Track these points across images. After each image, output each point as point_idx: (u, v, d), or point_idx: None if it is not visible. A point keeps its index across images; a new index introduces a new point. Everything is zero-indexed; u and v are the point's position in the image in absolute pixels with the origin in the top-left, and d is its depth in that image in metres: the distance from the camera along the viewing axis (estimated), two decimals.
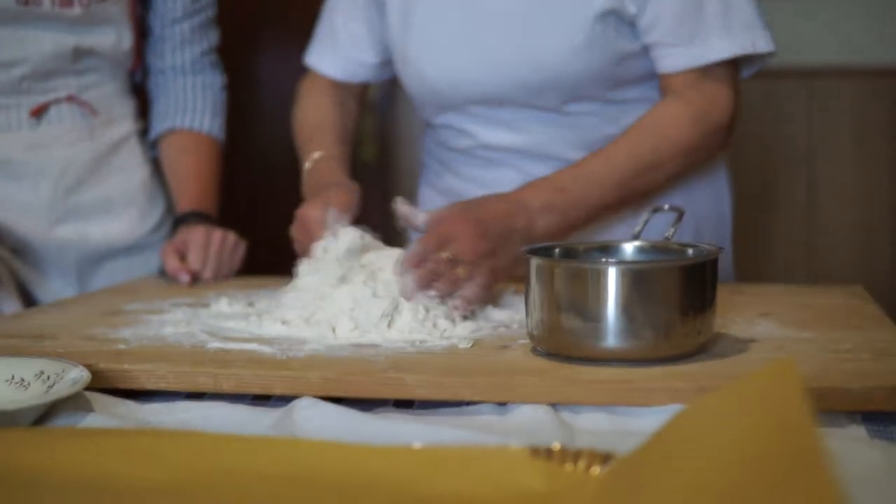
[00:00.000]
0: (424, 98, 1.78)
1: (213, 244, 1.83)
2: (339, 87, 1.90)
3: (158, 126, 2.07)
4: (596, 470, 0.85)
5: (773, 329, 1.32)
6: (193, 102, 2.05)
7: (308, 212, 1.53)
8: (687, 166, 1.63)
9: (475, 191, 1.61)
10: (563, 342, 1.17)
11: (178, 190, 2.01)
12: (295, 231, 1.56)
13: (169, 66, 2.05)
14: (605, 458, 0.85)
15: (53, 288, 1.92)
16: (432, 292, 1.35)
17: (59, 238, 1.91)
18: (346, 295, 1.35)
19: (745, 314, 1.40)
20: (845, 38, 3.18)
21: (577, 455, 0.86)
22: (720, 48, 1.59)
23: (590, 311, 1.15)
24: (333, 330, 1.31)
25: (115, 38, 1.92)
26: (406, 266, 1.36)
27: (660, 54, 1.62)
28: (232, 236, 1.88)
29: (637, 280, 1.14)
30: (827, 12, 3.18)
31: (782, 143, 3.22)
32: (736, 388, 0.80)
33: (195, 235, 1.84)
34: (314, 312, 1.34)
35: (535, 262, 1.19)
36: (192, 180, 2.01)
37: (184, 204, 1.98)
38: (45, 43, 1.85)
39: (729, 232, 1.85)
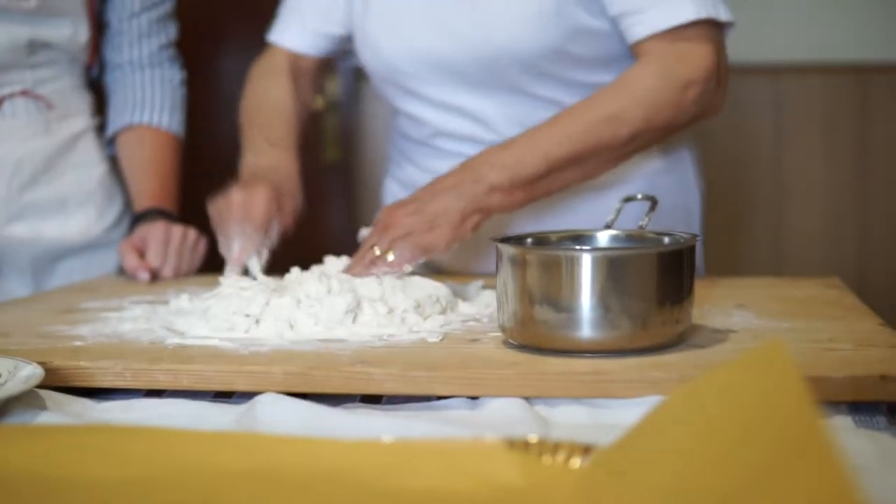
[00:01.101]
0: (383, 76, 1.73)
1: (172, 240, 1.80)
2: (297, 69, 1.85)
3: (116, 122, 2.02)
4: (576, 462, 0.81)
5: (750, 319, 1.29)
6: (152, 98, 2.00)
7: (250, 199, 1.57)
8: (657, 122, 1.55)
9: None
10: (537, 334, 1.13)
11: (137, 187, 1.96)
12: (228, 210, 1.57)
13: (126, 60, 2.00)
14: (585, 450, 0.81)
15: (8, 287, 1.87)
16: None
17: (13, 236, 1.86)
18: (303, 293, 1.29)
19: (721, 305, 1.37)
20: (810, 35, 3.17)
21: (555, 447, 0.82)
22: (686, 10, 1.53)
23: (564, 301, 1.11)
24: (291, 327, 1.25)
25: (71, 30, 1.87)
26: (351, 273, 1.40)
27: (627, 24, 1.57)
28: (192, 232, 1.85)
29: (613, 268, 1.10)
30: (791, 9, 3.16)
31: (749, 140, 3.20)
32: (723, 372, 0.76)
33: (154, 232, 1.80)
34: (268, 311, 1.28)
35: (506, 250, 1.15)
36: (151, 177, 1.96)
37: (142, 201, 1.93)
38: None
39: (698, 227, 1.81)
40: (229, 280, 1.42)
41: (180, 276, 1.79)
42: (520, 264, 1.13)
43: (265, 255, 1.58)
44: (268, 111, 1.80)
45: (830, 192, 3.20)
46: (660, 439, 0.75)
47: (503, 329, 1.18)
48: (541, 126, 1.53)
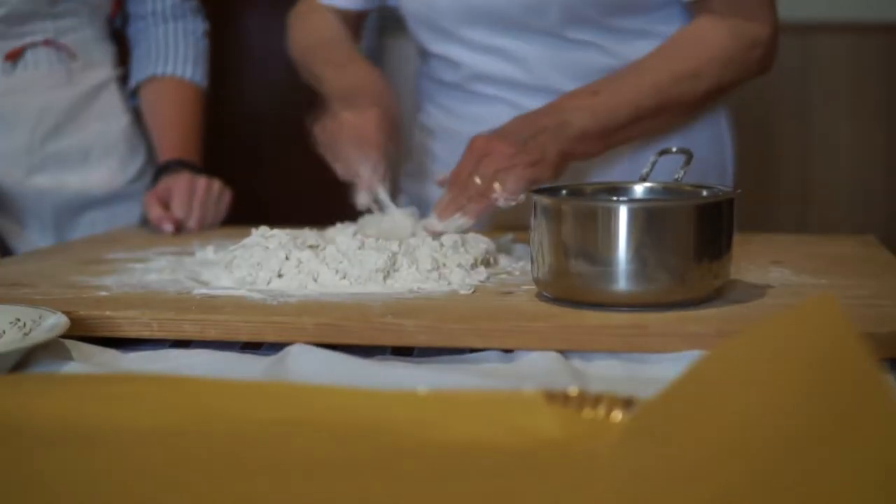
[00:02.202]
0: (421, 17, 1.69)
1: (197, 192, 1.77)
2: (338, 15, 1.80)
3: (139, 74, 1.99)
4: (617, 415, 0.78)
5: (788, 276, 1.26)
6: (175, 49, 1.97)
7: (363, 121, 1.48)
8: (726, 80, 1.56)
9: (468, 129, 1.53)
10: (572, 286, 1.10)
11: (160, 138, 1.94)
12: (333, 131, 1.51)
13: (150, 11, 1.98)
14: (627, 402, 0.79)
15: (31, 238, 1.85)
16: (460, 219, 1.35)
17: (36, 187, 1.84)
18: (334, 249, 1.26)
19: (757, 262, 1.34)
20: None
21: (596, 400, 0.79)
22: None
23: (600, 254, 1.08)
24: (315, 280, 1.22)
25: None
26: (443, 185, 1.36)
27: None
28: (217, 184, 1.82)
29: (651, 220, 1.08)
30: None
31: (776, 98, 3.16)
32: (770, 326, 0.74)
33: (179, 183, 1.78)
34: (290, 266, 1.24)
35: (541, 201, 1.13)
36: (174, 128, 1.94)
37: (166, 152, 1.91)
38: None
39: (730, 184, 1.79)
40: (363, 203, 1.44)
41: (205, 228, 1.76)
42: (555, 216, 1.11)
43: (388, 180, 1.50)
44: (328, 38, 1.74)
45: (859, 150, 3.16)
46: (706, 393, 0.73)
47: (537, 282, 1.15)
48: (625, 74, 1.52)
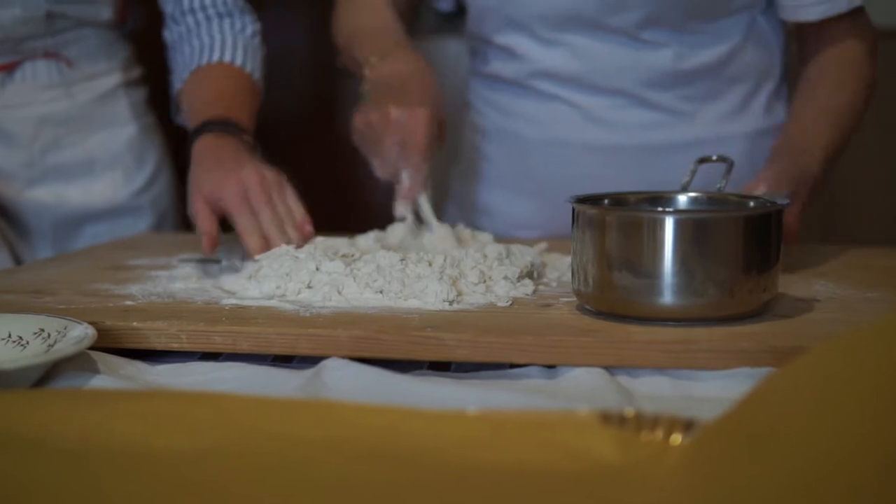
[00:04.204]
0: (490, 4, 1.62)
1: (252, 193, 1.39)
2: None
3: (181, 75, 1.73)
4: (677, 438, 0.75)
5: (833, 289, 1.22)
6: (222, 42, 1.73)
7: (411, 120, 1.39)
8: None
9: (522, 129, 1.49)
10: (616, 299, 1.06)
11: (193, 114, 1.59)
12: (376, 126, 1.41)
13: (188, 8, 1.75)
14: (687, 425, 0.75)
15: (34, 251, 1.79)
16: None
17: (35, 200, 1.76)
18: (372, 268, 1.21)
19: (800, 273, 1.31)
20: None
21: (654, 421, 0.76)
22: None
23: (645, 266, 1.04)
24: (339, 291, 1.16)
25: (91, 7, 1.76)
26: None
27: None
28: (271, 175, 1.43)
29: (699, 231, 1.04)
30: None
31: None
32: (840, 344, 0.70)
33: (227, 187, 1.39)
34: (319, 277, 1.19)
35: (584, 211, 1.09)
36: (221, 94, 1.63)
37: (206, 111, 1.56)
38: (14, 8, 1.68)
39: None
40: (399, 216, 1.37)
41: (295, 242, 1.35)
42: (598, 226, 1.07)
43: (430, 188, 1.42)
44: (373, 23, 1.64)
45: (884, 156, 3.13)
46: (774, 416, 0.69)
47: (578, 294, 1.11)
48: (819, 119, 1.49)
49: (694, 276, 1.04)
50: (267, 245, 1.32)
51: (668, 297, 1.04)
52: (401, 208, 1.41)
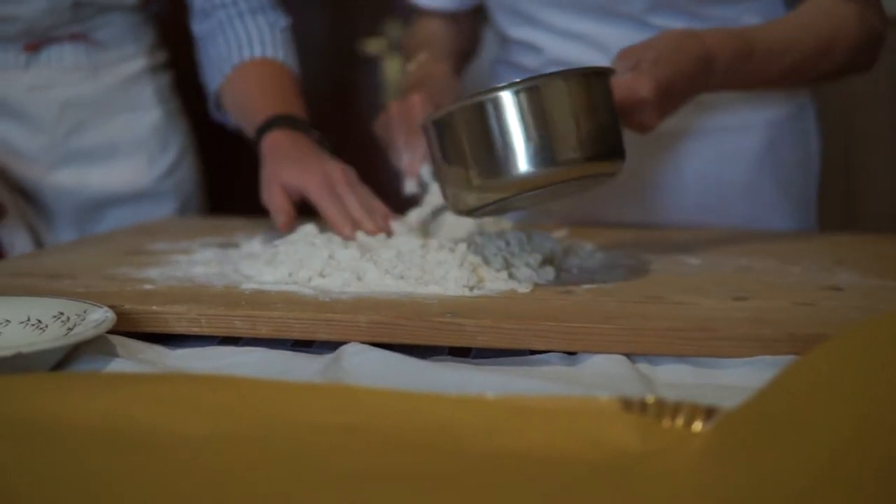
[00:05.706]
0: (503, 1, 1.66)
1: (337, 184, 1.43)
2: (453, 20, 1.79)
3: (217, 75, 1.73)
4: (698, 426, 0.74)
5: (854, 277, 1.22)
6: (259, 37, 1.73)
7: (406, 105, 1.45)
8: (843, 65, 1.50)
9: None
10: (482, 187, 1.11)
11: (252, 111, 1.61)
12: (389, 122, 1.47)
13: (219, 3, 1.75)
14: (708, 412, 0.75)
15: (56, 234, 1.80)
16: None
17: (57, 183, 1.78)
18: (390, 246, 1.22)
19: (820, 262, 1.30)
20: None
21: (675, 409, 0.75)
22: None
23: (497, 147, 1.10)
24: (359, 278, 1.17)
25: None
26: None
27: None
28: (350, 171, 1.47)
29: (530, 100, 1.09)
30: None
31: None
32: (865, 331, 0.70)
33: (312, 179, 1.44)
34: (334, 264, 1.19)
35: (429, 120, 1.15)
36: (274, 91, 1.64)
37: (267, 109, 1.58)
38: (40, 0, 1.70)
39: (815, 182, 1.73)
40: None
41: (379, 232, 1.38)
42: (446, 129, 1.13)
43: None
44: (419, 41, 1.74)
45: None
46: (797, 404, 0.68)
47: (456, 205, 1.16)
48: (776, 40, 1.43)
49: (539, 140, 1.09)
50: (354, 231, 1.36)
51: (522, 167, 1.09)
52: (407, 185, 1.44)
